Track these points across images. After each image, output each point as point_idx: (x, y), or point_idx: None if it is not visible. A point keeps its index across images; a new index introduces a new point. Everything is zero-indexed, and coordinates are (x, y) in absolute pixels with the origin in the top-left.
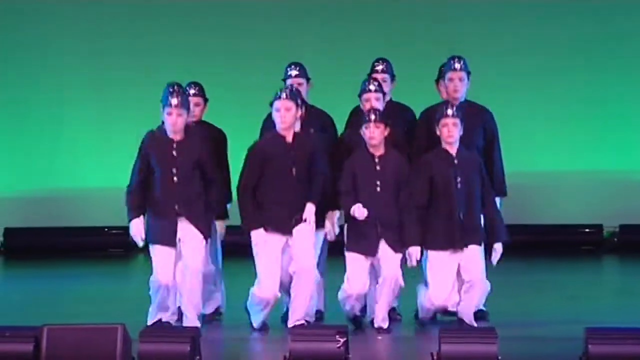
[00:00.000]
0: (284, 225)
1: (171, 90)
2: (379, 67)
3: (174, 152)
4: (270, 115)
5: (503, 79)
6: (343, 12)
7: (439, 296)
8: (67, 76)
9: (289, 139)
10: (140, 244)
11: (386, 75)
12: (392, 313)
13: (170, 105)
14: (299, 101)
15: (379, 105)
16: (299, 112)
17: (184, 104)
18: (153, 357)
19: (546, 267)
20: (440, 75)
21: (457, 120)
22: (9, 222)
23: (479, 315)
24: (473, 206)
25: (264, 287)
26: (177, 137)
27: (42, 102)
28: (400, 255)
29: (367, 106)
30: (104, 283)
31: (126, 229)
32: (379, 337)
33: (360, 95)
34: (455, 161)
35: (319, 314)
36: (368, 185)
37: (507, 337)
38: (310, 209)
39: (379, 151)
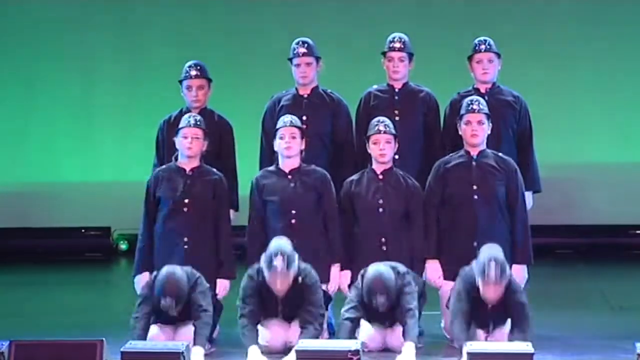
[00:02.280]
0: None
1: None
2: (396, 45)
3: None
4: (271, 109)
5: (551, 64)
6: None
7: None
8: (39, 50)
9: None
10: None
11: (404, 54)
12: None
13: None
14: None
15: (390, 150)
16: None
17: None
18: None
19: (590, 273)
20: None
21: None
22: None
23: None
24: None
25: (271, 337)
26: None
27: (8, 80)
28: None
29: (376, 150)
30: (80, 292)
31: (105, 230)
32: (398, 356)
33: (368, 137)
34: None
35: (330, 328)
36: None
37: (544, 354)
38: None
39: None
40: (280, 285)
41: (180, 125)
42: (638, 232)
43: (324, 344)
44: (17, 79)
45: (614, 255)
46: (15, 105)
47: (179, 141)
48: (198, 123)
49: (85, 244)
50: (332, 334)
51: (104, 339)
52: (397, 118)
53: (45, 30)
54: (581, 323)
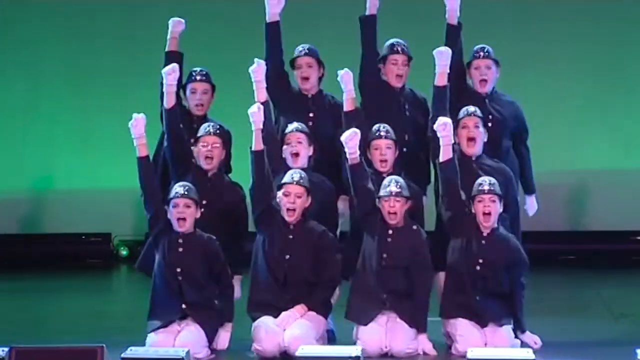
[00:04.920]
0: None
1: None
2: (400, 48)
3: (180, 249)
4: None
5: (552, 70)
6: None
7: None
8: (40, 58)
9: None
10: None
11: (405, 58)
12: None
13: (178, 195)
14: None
15: (391, 155)
16: (309, 201)
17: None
18: None
19: (592, 280)
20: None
21: (496, 197)
22: None
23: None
24: (493, 292)
25: (265, 341)
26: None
27: (9, 88)
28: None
29: (376, 155)
30: (81, 298)
31: (106, 236)
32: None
33: (368, 142)
34: (483, 241)
35: (330, 334)
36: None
37: None
38: (299, 309)
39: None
40: (293, 196)
41: (199, 134)
42: (638, 238)
43: (325, 350)
44: (18, 86)
45: (615, 262)
46: (16, 112)
47: (198, 149)
48: (218, 132)
49: (85, 250)
50: (333, 341)
51: (104, 345)
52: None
53: (46, 38)
54: (582, 329)
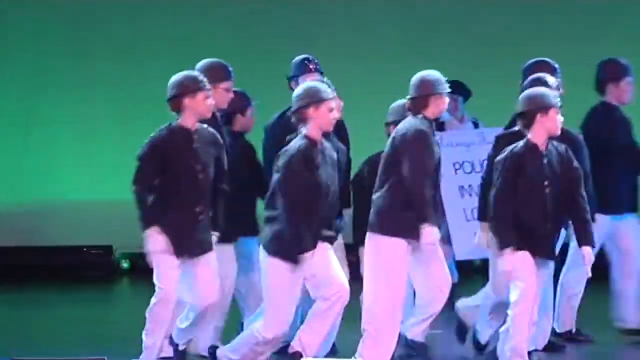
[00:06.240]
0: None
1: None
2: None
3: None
4: (278, 122)
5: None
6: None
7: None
8: (40, 67)
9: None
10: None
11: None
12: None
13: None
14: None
15: None
16: None
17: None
18: None
19: (592, 290)
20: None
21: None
22: None
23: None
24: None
25: (275, 327)
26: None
27: (8, 98)
28: None
29: None
30: (82, 310)
31: (107, 249)
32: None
33: None
34: (545, 160)
35: (332, 347)
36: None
37: None
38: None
39: None
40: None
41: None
42: None
43: None
44: (18, 97)
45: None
46: (16, 123)
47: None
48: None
49: (86, 262)
50: (335, 353)
51: (105, 357)
52: None
53: (46, 47)
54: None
